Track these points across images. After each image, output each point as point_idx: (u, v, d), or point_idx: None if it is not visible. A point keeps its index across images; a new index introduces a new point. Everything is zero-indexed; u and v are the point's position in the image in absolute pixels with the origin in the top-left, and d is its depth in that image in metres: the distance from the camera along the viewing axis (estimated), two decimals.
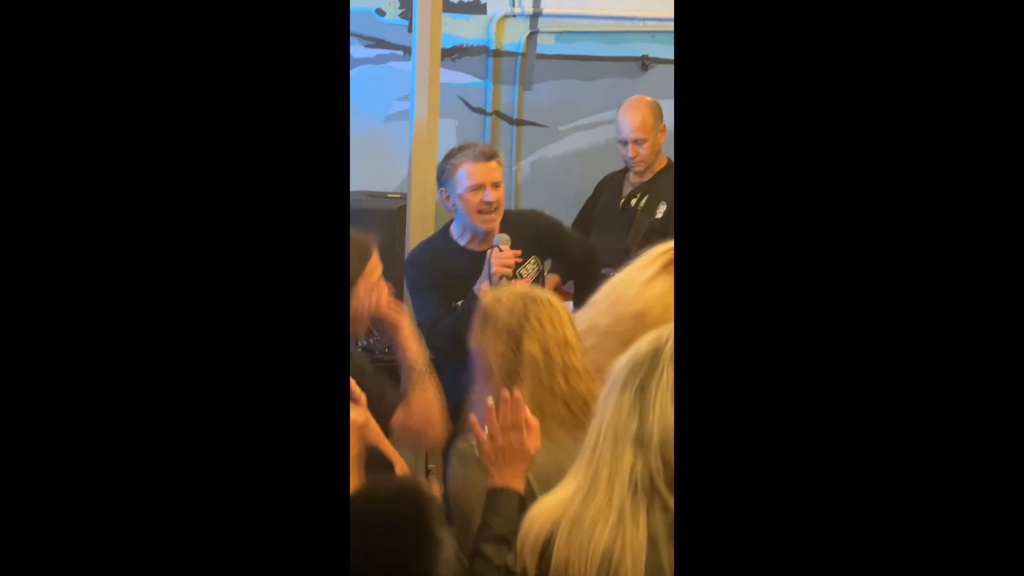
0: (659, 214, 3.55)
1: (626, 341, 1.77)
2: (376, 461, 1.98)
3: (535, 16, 4.56)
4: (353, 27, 4.41)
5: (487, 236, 2.95)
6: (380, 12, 4.41)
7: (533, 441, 1.81)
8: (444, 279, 2.98)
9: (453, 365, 2.49)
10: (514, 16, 4.52)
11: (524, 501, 1.81)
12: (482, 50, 4.52)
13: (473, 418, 1.84)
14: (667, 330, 1.58)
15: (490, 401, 1.83)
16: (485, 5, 4.54)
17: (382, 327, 2.40)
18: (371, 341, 3.10)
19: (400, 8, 4.42)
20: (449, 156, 3.11)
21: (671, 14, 4.40)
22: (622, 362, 1.61)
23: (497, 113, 4.53)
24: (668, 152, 3.71)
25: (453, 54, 4.44)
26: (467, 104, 4.52)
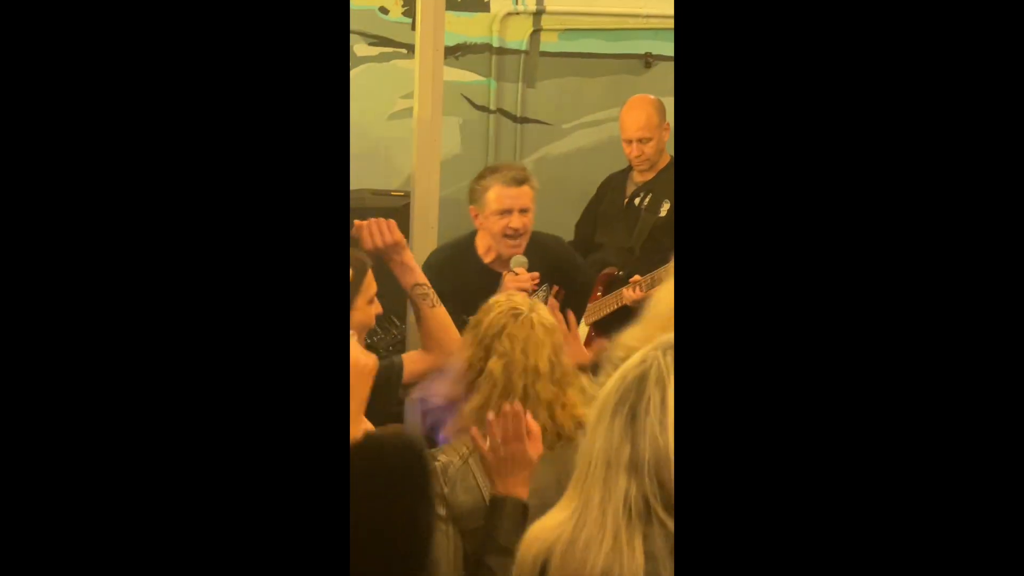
0: (663, 212, 3.55)
1: None
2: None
3: (538, 14, 4.61)
4: (356, 25, 4.48)
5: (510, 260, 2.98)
6: (383, 10, 4.49)
7: (535, 448, 1.81)
8: (458, 291, 2.96)
9: None
10: (517, 14, 4.56)
11: (527, 509, 1.81)
12: (485, 48, 4.56)
13: (474, 430, 1.85)
14: (652, 354, 1.59)
15: (491, 415, 1.83)
16: (488, 3, 4.60)
17: (387, 255, 2.46)
18: (375, 340, 3.12)
19: (403, 6, 4.46)
20: (481, 176, 3.14)
21: (667, 12, 4.47)
22: (609, 388, 1.62)
23: (500, 111, 4.56)
24: (670, 150, 3.74)
25: (456, 52, 4.49)
26: (470, 102, 4.56)
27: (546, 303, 3.05)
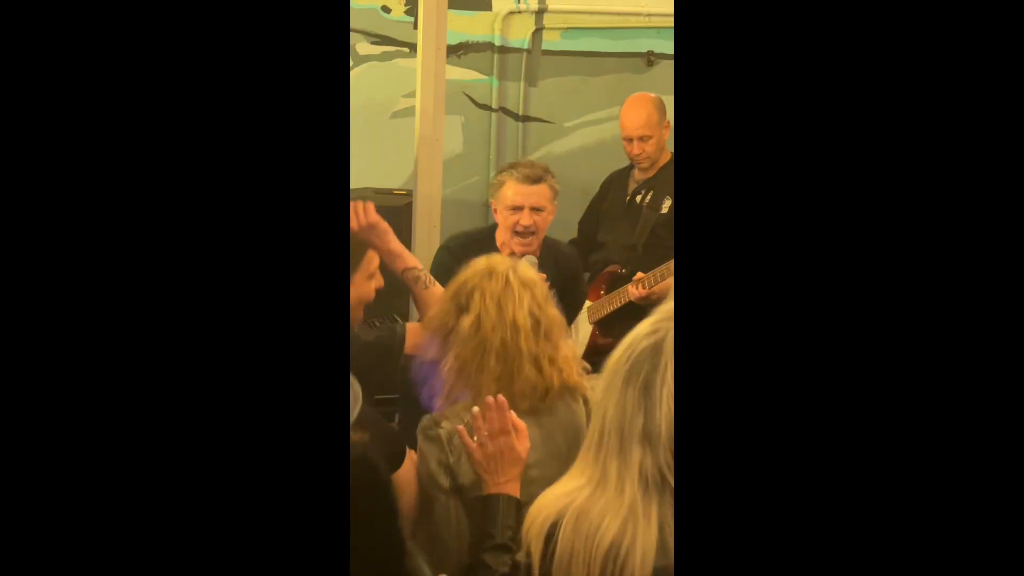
0: (664, 209, 3.58)
1: None
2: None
3: (540, 12, 4.61)
4: (358, 24, 4.49)
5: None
6: (386, 9, 4.48)
7: (523, 444, 1.81)
8: None
9: None
10: (519, 12, 4.56)
11: (520, 506, 1.80)
12: (487, 46, 4.56)
13: (461, 428, 1.85)
14: (664, 325, 1.58)
15: (476, 409, 1.82)
16: (491, 1, 4.60)
17: (371, 241, 2.46)
18: (375, 333, 3.15)
19: (406, 5, 4.46)
20: (501, 170, 3.16)
21: (666, 11, 4.51)
22: (618, 358, 1.61)
23: (503, 109, 4.57)
24: (671, 147, 3.77)
25: (459, 50, 4.49)
26: (473, 100, 4.56)
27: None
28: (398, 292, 2.59)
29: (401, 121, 4.42)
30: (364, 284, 2.34)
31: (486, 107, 4.58)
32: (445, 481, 1.90)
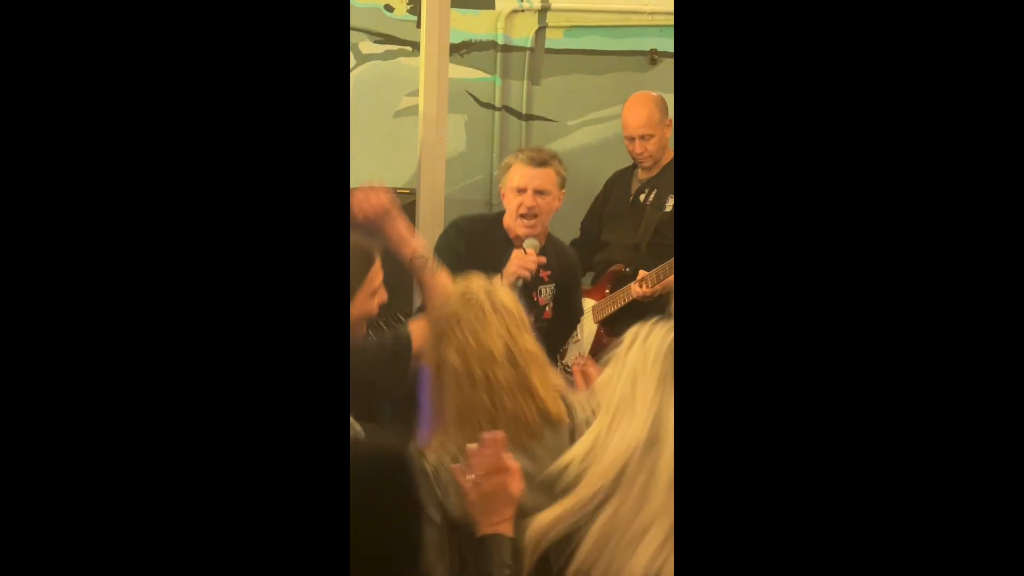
0: (668, 208, 3.59)
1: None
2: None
3: (543, 11, 4.58)
4: (361, 23, 4.49)
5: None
6: (389, 8, 4.49)
7: (516, 484, 1.80)
8: (475, 254, 3.04)
9: None
10: (522, 11, 4.55)
11: (515, 544, 1.78)
12: (491, 45, 4.54)
13: (455, 467, 1.83)
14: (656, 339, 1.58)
15: (471, 446, 1.81)
16: (493, 0, 4.58)
17: (376, 227, 2.44)
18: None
19: (408, 4, 4.45)
20: (508, 155, 3.19)
21: (667, 9, 4.50)
22: (621, 380, 1.60)
23: (506, 108, 4.57)
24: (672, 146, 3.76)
25: (462, 49, 4.47)
26: (476, 99, 4.56)
27: (551, 299, 3.12)
28: (399, 292, 2.59)
29: (404, 120, 4.42)
30: (367, 301, 2.33)
31: (489, 106, 4.57)
32: (436, 515, 1.88)
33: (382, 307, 2.37)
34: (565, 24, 4.58)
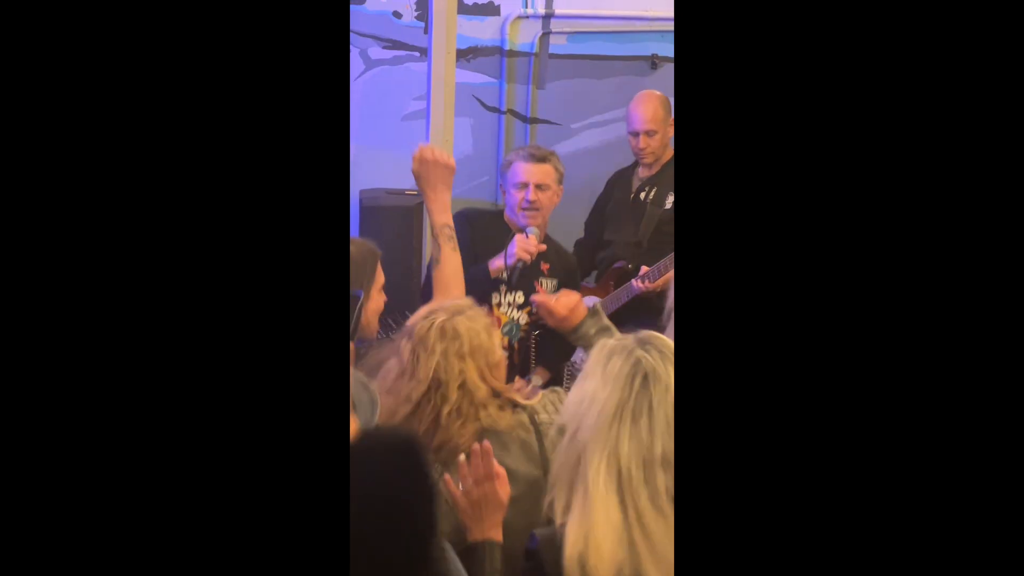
0: (668, 205, 3.59)
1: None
2: None
3: (547, 17, 4.52)
4: (370, 29, 4.42)
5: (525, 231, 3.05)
6: (397, 15, 4.49)
7: (504, 490, 1.78)
8: (479, 243, 3.09)
9: None
10: (527, 17, 4.51)
11: (504, 550, 1.77)
12: (496, 50, 4.50)
13: (447, 477, 1.81)
14: (638, 353, 1.60)
15: (462, 457, 1.79)
16: (499, 7, 4.50)
17: (429, 179, 2.48)
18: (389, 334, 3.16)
19: (416, 11, 4.42)
20: (509, 153, 3.26)
21: (668, 14, 4.33)
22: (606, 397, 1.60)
23: (511, 111, 4.53)
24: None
25: (468, 55, 4.44)
26: (482, 103, 4.51)
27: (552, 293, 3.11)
28: (400, 292, 2.63)
29: (412, 123, 4.38)
30: (378, 297, 2.35)
31: (495, 109, 4.53)
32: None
33: (386, 305, 2.38)
34: (568, 30, 4.51)
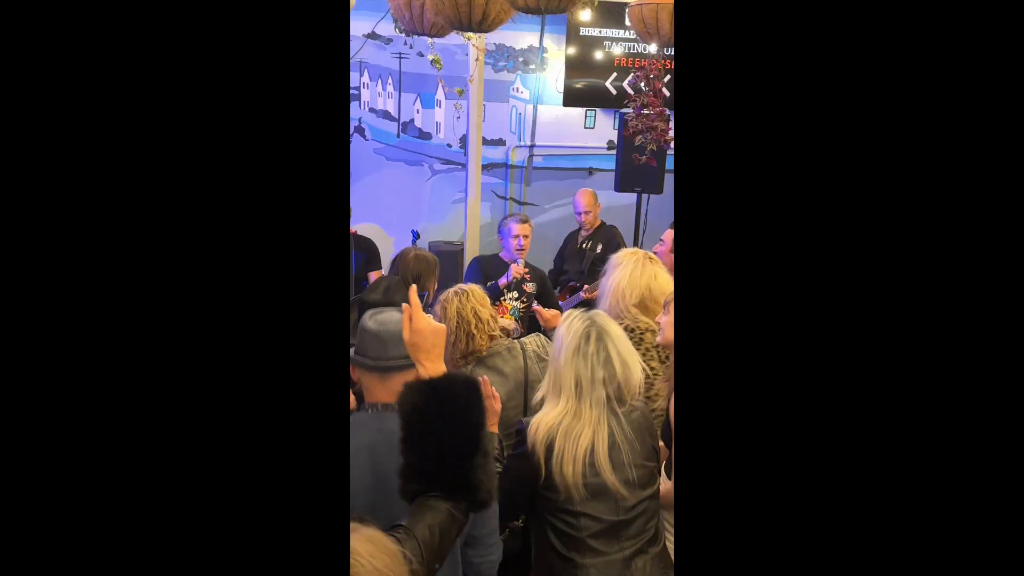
0: (598, 250, 4.74)
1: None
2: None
3: (532, 146, 5.90)
4: (433, 152, 5.74)
5: (516, 262, 4.07)
6: (449, 145, 5.82)
7: (497, 405, 2.00)
8: (488, 274, 4.22)
9: None
10: (520, 146, 5.86)
11: (500, 439, 2.08)
12: (503, 165, 5.87)
13: (484, 378, 1.98)
14: (583, 315, 1.95)
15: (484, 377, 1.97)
16: (504, 140, 5.89)
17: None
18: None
19: (461, 143, 5.74)
20: (504, 218, 4.31)
21: (604, 145, 5.84)
22: (565, 340, 1.98)
23: (512, 199, 5.89)
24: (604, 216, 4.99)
25: (488, 168, 5.78)
26: (496, 194, 5.87)
27: (531, 303, 4.14)
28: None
29: (457, 205, 5.76)
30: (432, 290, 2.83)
31: (503, 197, 5.85)
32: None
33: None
34: (544, 153, 5.87)
